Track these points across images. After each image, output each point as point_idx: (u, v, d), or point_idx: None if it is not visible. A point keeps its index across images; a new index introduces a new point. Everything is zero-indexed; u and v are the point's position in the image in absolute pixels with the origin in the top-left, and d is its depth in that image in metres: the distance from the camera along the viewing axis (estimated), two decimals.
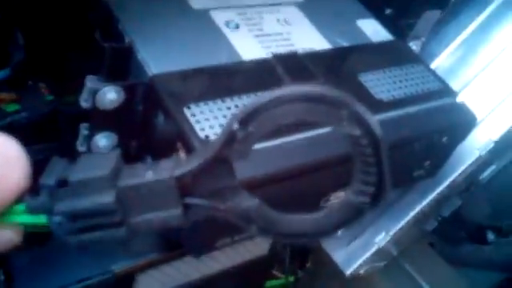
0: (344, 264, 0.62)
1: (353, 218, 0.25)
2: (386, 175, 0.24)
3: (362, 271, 0.63)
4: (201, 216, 0.26)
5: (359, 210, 0.25)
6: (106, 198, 0.23)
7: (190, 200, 0.25)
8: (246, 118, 0.23)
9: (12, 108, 0.45)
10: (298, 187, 0.41)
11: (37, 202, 0.24)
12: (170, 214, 0.25)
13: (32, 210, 0.24)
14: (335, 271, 0.62)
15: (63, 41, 0.45)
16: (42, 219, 0.25)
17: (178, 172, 0.24)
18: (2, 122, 0.44)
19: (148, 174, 0.24)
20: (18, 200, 0.24)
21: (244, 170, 0.35)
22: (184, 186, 0.24)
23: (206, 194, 0.25)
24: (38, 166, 0.26)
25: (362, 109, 0.23)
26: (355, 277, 0.63)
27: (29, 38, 0.44)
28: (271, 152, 0.38)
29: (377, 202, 0.25)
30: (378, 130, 0.23)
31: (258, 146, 0.36)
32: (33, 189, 0.24)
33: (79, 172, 0.24)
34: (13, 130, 0.44)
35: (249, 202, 0.25)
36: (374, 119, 0.23)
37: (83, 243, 0.25)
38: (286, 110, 0.23)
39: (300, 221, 0.26)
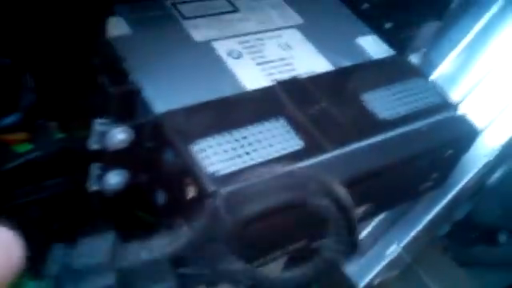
0: (357, 277, 0.63)
1: (329, 271, 0.28)
2: (357, 234, 0.27)
3: (375, 282, 0.64)
4: (196, 282, 0.28)
5: (334, 264, 0.28)
6: (108, 281, 0.26)
7: (183, 270, 0.27)
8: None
9: (24, 148, 0.46)
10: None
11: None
12: (166, 286, 0.27)
13: None
14: (348, 284, 0.63)
15: (71, 80, 0.46)
16: None
17: (169, 249, 0.26)
18: (16, 161, 0.45)
19: (143, 253, 0.26)
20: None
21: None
22: (177, 259, 0.26)
23: (199, 267, 0.27)
24: (53, 201, 0.28)
25: (329, 183, 0.25)
26: (369, 286, 0.64)
27: (37, 79, 0.46)
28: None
29: (349, 256, 0.27)
30: (348, 202, 0.25)
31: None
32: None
33: (80, 258, 0.26)
34: (27, 168, 0.45)
35: (236, 265, 0.27)
36: (343, 191, 0.25)
37: None
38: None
39: (282, 278, 0.28)
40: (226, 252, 0.27)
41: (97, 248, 0.26)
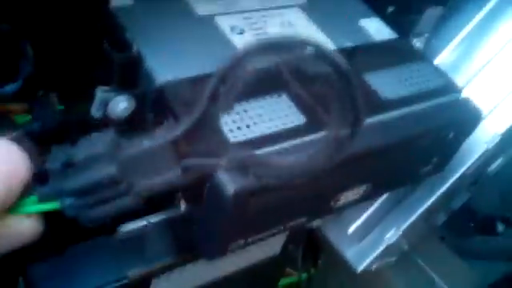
0: (355, 261, 0.62)
1: (338, 150, 0.27)
2: (359, 102, 0.26)
3: (373, 267, 0.64)
4: (199, 174, 0.27)
5: (341, 142, 0.27)
6: (110, 170, 0.25)
7: (186, 161, 0.26)
8: (225, 74, 0.24)
9: (23, 119, 0.46)
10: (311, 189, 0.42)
11: (46, 188, 0.26)
12: (170, 177, 0.26)
13: (43, 197, 0.26)
14: (347, 268, 0.63)
15: (72, 50, 0.46)
16: (54, 205, 0.26)
17: (171, 135, 0.26)
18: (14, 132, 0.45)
19: (144, 142, 0.26)
20: (28, 192, 0.26)
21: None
22: (179, 149, 0.26)
23: (200, 154, 0.26)
24: None
25: (323, 46, 0.24)
26: (367, 272, 0.64)
27: (38, 49, 0.45)
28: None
29: (355, 130, 0.26)
30: (342, 61, 0.24)
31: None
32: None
33: (81, 152, 0.25)
34: None
35: (242, 152, 0.27)
36: (337, 54, 0.24)
37: (96, 219, 0.26)
38: (258, 61, 0.25)
39: (293, 161, 0.27)
40: (228, 142, 0.27)
41: (97, 141, 0.26)
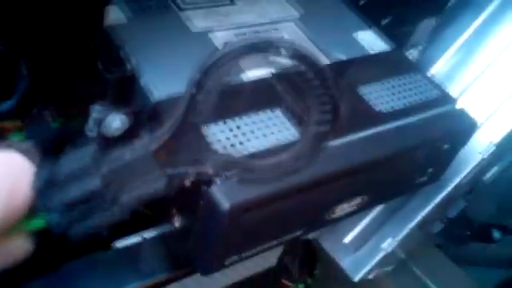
0: (352, 270, 0.63)
1: (320, 144, 0.28)
2: (336, 97, 0.26)
3: (370, 276, 0.64)
4: (183, 182, 0.27)
5: (321, 137, 0.28)
6: (94, 183, 0.25)
7: (170, 170, 0.26)
8: (201, 81, 0.25)
9: (17, 137, 0.46)
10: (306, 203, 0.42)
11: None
12: (155, 186, 0.26)
13: (29, 215, 0.26)
14: (344, 277, 0.63)
15: (67, 68, 0.46)
16: (40, 223, 0.26)
17: (152, 146, 0.26)
18: None
19: (126, 154, 0.26)
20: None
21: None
22: (162, 159, 0.26)
23: (183, 162, 0.26)
24: None
25: (298, 45, 0.25)
26: (364, 281, 0.64)
27: (33, 67, 0.45)
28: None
29: (336, 124, 0.27)
30: (317, 60, 0.25)
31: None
32: None
33: (64, 168, 0.26)
34: None
35: (224, 156, 0.27)
36: (312, 53, 0.25)
37: (84, 234, 0.26)
38: (233, 65, 0.25)
39: (276, 161, 0.28)
40: (210, 148, 0.27)
41: (79, 156, 0.26)
